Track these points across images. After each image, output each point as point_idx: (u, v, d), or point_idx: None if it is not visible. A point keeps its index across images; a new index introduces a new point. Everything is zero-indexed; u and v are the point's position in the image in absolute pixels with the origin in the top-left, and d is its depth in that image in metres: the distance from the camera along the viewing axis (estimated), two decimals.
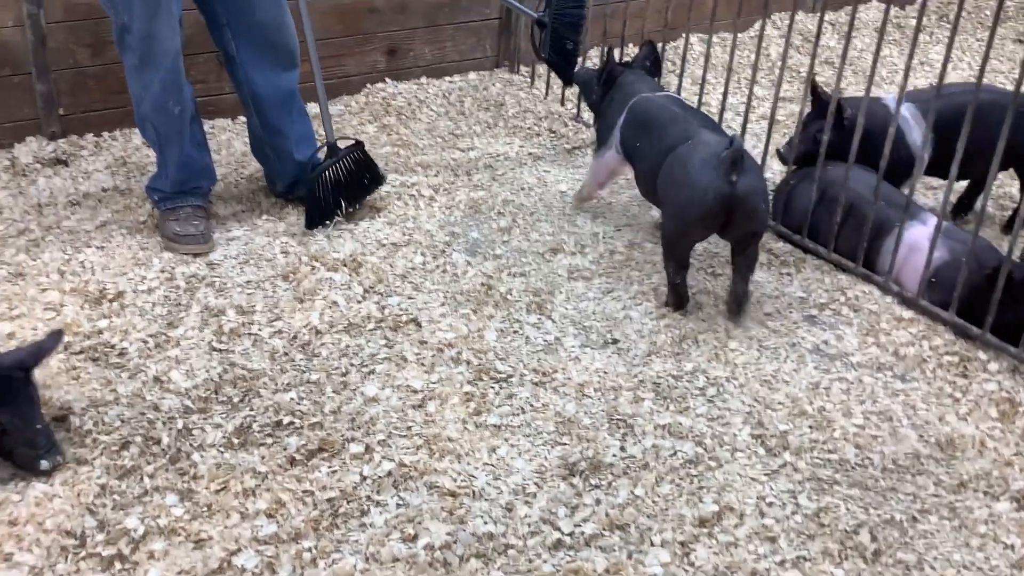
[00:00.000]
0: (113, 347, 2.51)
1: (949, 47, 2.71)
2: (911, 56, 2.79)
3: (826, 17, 5.03)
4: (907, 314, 2.81)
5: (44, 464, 2.07)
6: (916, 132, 3.09)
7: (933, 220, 2.80)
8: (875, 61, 2.93)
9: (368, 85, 4.11)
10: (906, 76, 2.82)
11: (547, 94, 4.21)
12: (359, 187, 3.19)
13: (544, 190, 3.47)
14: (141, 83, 2.86)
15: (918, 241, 2.82)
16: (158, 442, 2.21)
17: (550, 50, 3.39)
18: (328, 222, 3.11)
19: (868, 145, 2.89)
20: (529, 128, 3.97)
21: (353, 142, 3.16)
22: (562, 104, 4.14)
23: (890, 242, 2.87)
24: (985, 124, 2.68)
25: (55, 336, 2.17)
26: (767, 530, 2.08)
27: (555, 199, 3.42)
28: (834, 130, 2.98)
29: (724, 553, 2.02)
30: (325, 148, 3.13)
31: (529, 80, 4.33)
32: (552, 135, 3.94)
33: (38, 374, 2.34)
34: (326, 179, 3.09)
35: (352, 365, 2.52)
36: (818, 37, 3.06)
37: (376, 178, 3.23)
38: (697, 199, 2.58)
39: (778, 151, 3.25)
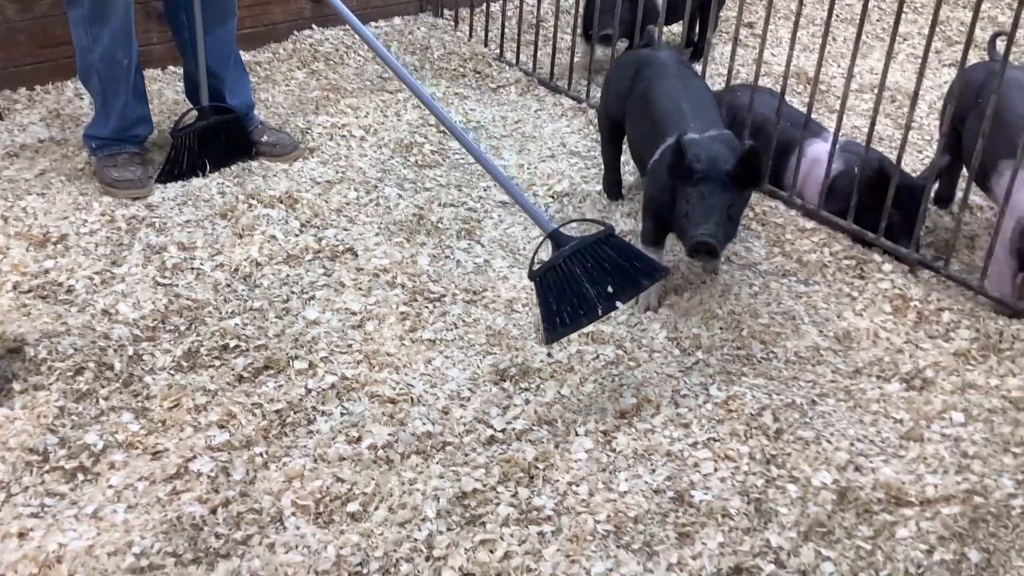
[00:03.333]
0: (60, 285, 2.62)
1: None
2: None
3: None
4: (809, 224, 3.03)
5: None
6: None
7: (830, 136, 3.02)
8: None
9: (295, 32, 4.20)
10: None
11: (471, 36, 4.34)
12: (226, 153, 3.26)
13: (470, 127, 3.61)
14: (90, 35, 2.94)
15: (819, 156, 3.03)
16: (111, 367, 2.34)
17: None
18: (183, 180, 3.16)
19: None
20: (455, 69, 4.10)
21: (232, 114, 3.24)
22: (485, 45, 4.28)
23: (793, 159, 3.07)
24: None
25: None
26: (681, 417, 2.28)
27: (480, 134, 3.56)
28: None
29: (642, 439, 2.22)
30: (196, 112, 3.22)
31: (453, 23, 4.45)
32: (477, 75, 4.07)
33: None
34: (192, 139, 3.17)
35: (293, 292, 2.67)
36: None
37: (247, 148, 3.30)
38: None
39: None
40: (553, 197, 3.20)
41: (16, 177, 3.10)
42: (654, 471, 2.14)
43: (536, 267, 2.33)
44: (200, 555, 1.89)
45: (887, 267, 2.84)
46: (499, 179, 2.54)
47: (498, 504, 2.03)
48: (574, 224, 2.92)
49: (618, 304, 2.25)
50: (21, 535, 1.91)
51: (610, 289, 2.25)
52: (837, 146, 2.94)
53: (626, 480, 2.11)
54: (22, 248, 2.73)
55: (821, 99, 4.00)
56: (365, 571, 1.87)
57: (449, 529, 1.97)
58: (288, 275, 2.73)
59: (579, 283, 2.26)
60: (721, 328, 2.59)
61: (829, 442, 2.23)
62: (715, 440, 2.22)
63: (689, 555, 1.92)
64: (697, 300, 2.69)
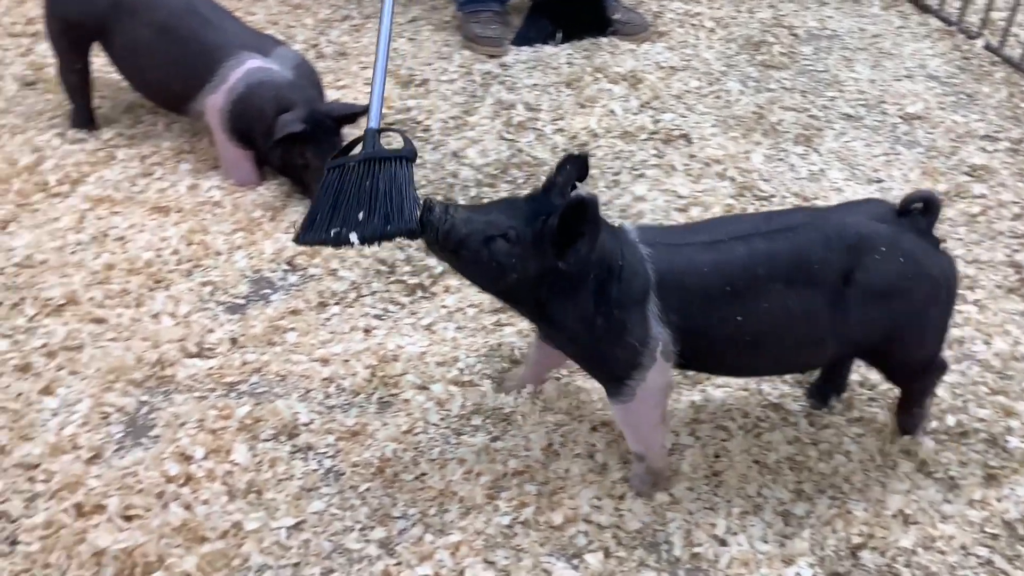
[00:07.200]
0: (419, 123, 2.85)
1: None
2: None
3: None
4: None
5: None
6: None
7: None
8: None
9: None
10: None
11: None
12: (579, 26, 3.31)
13: (825, 35, 3.49)
14: None
15: None
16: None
17: None
18: (535, 45, 3.26)
19: None
20: None
21: None
22: None
23: None
24: None
25: (366, 105, 2.50)
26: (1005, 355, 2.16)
27: (833, 44, 3.43)
28: None
29: (959, 376, 2.13)
30: None
31: None
32: None
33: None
34: (545, 7, 3.27)
35: (624, 167, 2.74)
36: None
37: (601, 26, 3.32)
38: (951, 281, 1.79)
39: None
40: (903, 118, 3.04)
41: None
42: (966, 412, 2.05)
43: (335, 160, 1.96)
44: None
45: None
46: (380, 45, 2.18)
47: (795, 424, 2.02)
48: None
49: (352, 239, 1.82)
50: (366, 331, 2.16)
51: (360, 217, 1.85)
52: None
53: (937, 420, 2.03)
54: (390, 84, 2.98)
55: None
56: None
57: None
58: (621, 150, 2.81)
59: (347, 195, 1.91)
60: None
61: None
62: None
63: (994, 496, 1.84)
64: None
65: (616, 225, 1.73)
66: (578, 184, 1.69)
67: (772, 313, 1.67)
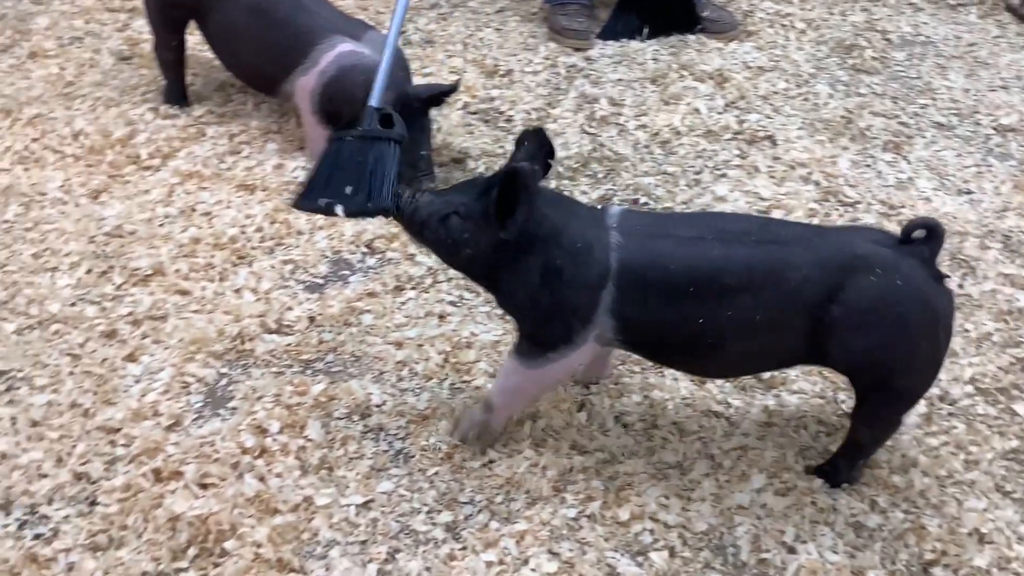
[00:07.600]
0: (502, 113, 2.86)
1: None
2: None
3: None
4: None
5: (422, 184, 2.41)
6: None
7: None
8: None
9: None
10: None
11: None
12: (667, 22, 3.28)
13: (919, 41, 3.41)
14: None
15: None
16: None
17: None
18: (622, 40, 3.24)
19: None
20: None
21: None
22: None
23: None
24: None
25: (453, 84, 2.53)
26: None
27: (927, 51, 3.35)
28: None
29: None
30: None
31: None
32: None
33: (444, 124, 2.74)
34: (634, 2, 3.25)
35: (706, 166, 2.72)
36: None
37: (689, 23, 3.28)
38: (948, 318, 1.70)
39: None
40: (996, 130, 2.96)
41: (478, 10, 3.39)
42: None
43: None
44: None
45: None
46: (392, 27, 2.35)
47: None
48: None
49: (339, 211, 2.05)
50: (441, 317, 2.18)
51: (348, 191, 2.06)
52: None
53: (1020, 440, 1.97)
54: (475, 73, 3.00)
55: None
56: None
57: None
58: (704, 149, 2.78)
59: (341, 168, 2.11)
60: None
61: None
62: None
63: None
64: None
65: (596, 207, 1.76)
66: (550, 162, 1.75)
67: (735, 322, 1.64)
